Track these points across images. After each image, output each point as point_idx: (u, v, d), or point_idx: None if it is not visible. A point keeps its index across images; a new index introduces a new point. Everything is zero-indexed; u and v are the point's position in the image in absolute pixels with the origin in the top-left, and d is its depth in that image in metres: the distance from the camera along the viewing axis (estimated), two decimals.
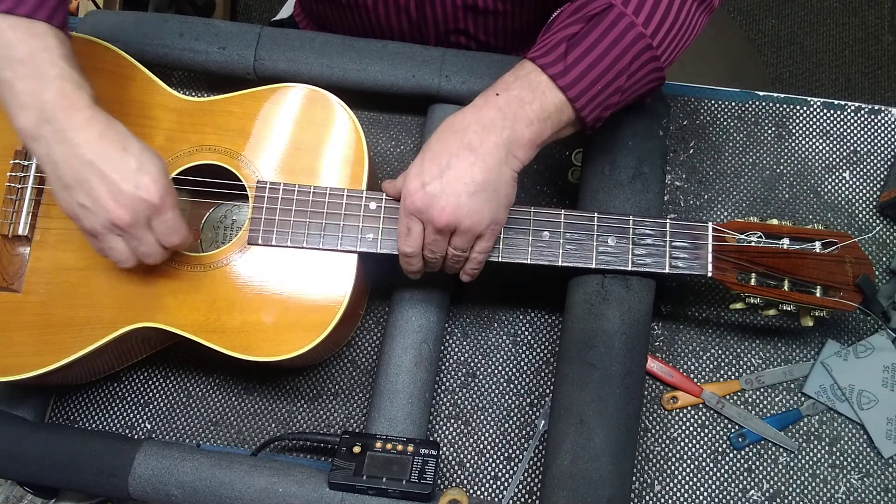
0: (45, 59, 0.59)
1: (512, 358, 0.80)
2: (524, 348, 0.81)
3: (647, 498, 0.76)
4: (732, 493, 0.75)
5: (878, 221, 0.83)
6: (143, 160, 0.62)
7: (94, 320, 0.70)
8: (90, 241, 0.65)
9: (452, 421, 0.79)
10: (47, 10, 0.60)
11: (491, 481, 0.77)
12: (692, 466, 0.76)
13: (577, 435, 0.68)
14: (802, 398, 0.78)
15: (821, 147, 0.85)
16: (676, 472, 0.76)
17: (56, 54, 0.60)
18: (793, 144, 0.86)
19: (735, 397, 0.78)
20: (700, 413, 0.78)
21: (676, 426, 0.78)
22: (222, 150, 0.74)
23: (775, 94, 0.87)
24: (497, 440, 0.78)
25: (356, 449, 0.70)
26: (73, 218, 0.63)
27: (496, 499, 0.76)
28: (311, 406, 0.80)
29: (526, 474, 0.77)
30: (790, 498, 0.75)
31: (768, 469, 0.76)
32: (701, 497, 0.76)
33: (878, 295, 0.71)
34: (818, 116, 0.86)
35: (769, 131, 0.86)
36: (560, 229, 0.70)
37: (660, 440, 0.77)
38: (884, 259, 0.82)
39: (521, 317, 0.82)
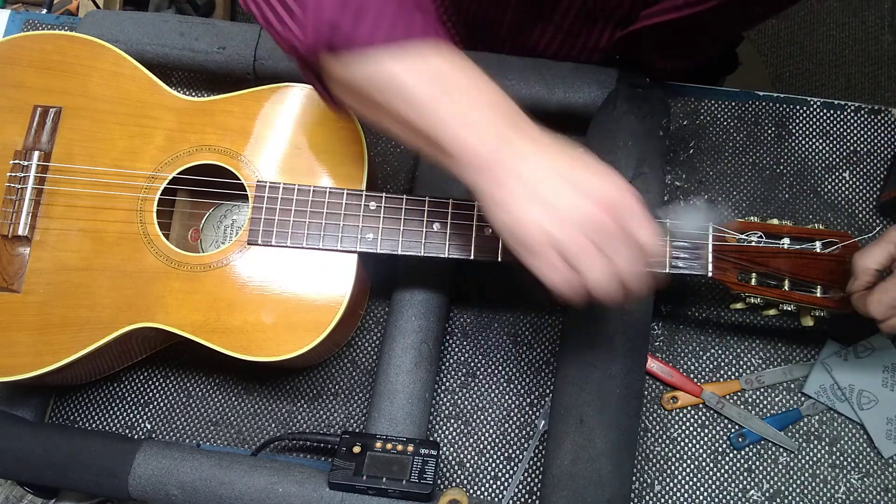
0: (477, 76, 0.52)
1: (512, 358, 0.80)
2: (524, 348, 0.81)
3: (647, 498, 0.76)
4: (732, 493, 0.75)
5: (878, 221, 0.83)
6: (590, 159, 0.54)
7: (94, 320, 0.70)
8: (555, 267, 0.51)
9: (452, 421, 0.79)
10: (437, 23, 0.51)
11: (491, 481, 0.77)
12: (692, 466, 0.76)
13: (577, 435, 0.68)
14: (802, 398, 0.78)
15: (821, 147, 0.85)
16: (676, 472, 0.76)
17: (477, 70, 0.52)
18: (793, 144, 0.86)
19: (735, 397, 0.78)
20: (700, 413, 0.78)
21: (676, 426, 0.78)
22: (222, 150, 0.74)
23: (775, 94, 0.87)
24: (497, 440, 0.78)
25: (356, 449, 0.70)
26: (547, 238, 0.51)
27: (496, 499, 0.76)
28: (311, 406, 0.80)
29: (526, 474, 0.77)
30: (790, 498, 0.75)
31: (768, 469, 0.76)
32: (701, 497, 0.76)
33: None
34: (818, 116, 0.86)
35: (769, 131, 0.86)
36: None
37: (660, 440, 0.77)
38: None
39: (521, 317, 0.82)
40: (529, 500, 0.76)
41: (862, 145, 0.85)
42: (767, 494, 0.75)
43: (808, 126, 0.86)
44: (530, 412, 0.79)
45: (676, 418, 0.78)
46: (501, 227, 0.52)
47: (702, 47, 0.83)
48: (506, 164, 0.50)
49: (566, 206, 0.50)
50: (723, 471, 0.76)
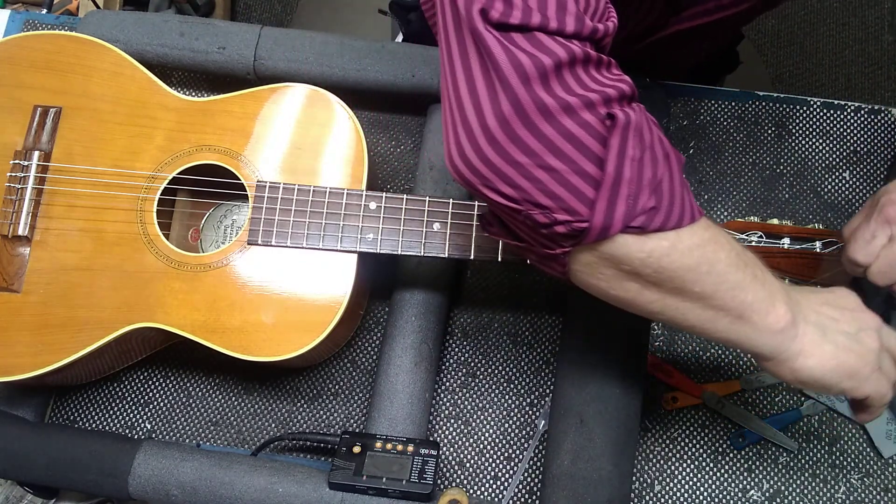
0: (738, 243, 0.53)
1: (512, 358, 0.80)
2: (524, 348, 0.81)
3: (647, 498, 0.76)
4: (732, 493, 0.75)
5: None
6: None
7: (94, 320, 0.70)
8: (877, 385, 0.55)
9: (452, 421, 0.79)
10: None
11: (491, 481, 0.77)
12: (692, 466, 0.76)
13: (577, 435, 0.68)
14: (802, 398, 0.78)
15: (821, 147, 0.85)
16: (676, 472, 0.76)
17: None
18: (793, 144, 0.86)
19: (735, 397, 0.78)
20: (700, 413, 0.78)
21: (676, 426, 0.78)
22: (222, 150, 0.74)
23: (775, 94, 0.87)
24: (497, 440, 0.78)
25: (356, 449, 0.70)
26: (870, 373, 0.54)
27: (496, 499, 0.76)
28: (311, 406, 0.80)
29: (526, 474, 0.77)
30: (790, 498, 0.75)
31: (768, 469, 0.76)
32: (701, 497, 0.76)
33: (878, 294, 0.71)
34: (818, 116, 0.86)
35: (769, 131, 0.86)
36: None
37: (660, 440, 0.77)
38: None
39: (522, 317, 0.82)
40: (529, 500, 0.76)
41: (862, 145, 0.85)
42: (767, 494, 0.75)
43: (808, 126, 0.86)
44: (530, 412, 0.79)
45: (676, 418, 0.78)
46: (810, 370, 0.54)
47: (709, 49, 0.82)
48: (796, 317, 0.53)
49: (848, 328, 0.55)
50: (723, 471, 0.76)
